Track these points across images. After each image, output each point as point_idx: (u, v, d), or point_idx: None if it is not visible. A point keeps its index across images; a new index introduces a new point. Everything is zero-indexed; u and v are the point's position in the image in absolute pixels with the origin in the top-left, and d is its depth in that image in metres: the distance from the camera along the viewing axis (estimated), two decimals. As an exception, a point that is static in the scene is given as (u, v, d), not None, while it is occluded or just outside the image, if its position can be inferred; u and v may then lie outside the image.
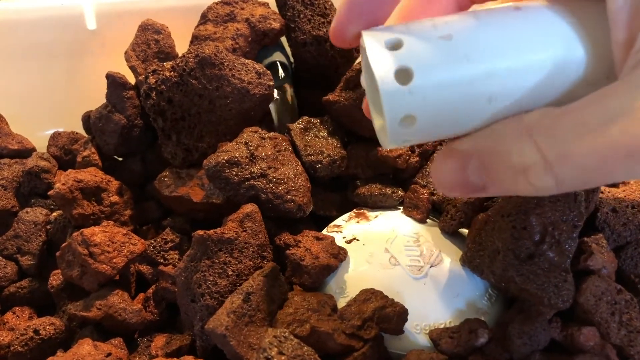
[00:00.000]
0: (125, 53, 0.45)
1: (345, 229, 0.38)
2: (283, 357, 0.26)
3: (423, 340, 0.32)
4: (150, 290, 0.39)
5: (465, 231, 0.37)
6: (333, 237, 0.36)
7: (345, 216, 0.40)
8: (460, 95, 0.21)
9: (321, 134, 0.41)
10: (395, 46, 0.21)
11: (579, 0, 0.23)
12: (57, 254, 0.38)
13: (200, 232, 0.33)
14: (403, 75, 0.21)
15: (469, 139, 0.22)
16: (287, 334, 0.28)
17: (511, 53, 0.21)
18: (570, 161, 0.18)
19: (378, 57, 0.21)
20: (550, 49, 0.21)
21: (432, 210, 0.38)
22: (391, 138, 0.22)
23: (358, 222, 0.38)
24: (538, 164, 0.19)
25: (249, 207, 0.34)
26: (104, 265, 0.36)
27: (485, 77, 0.21)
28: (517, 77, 0.21)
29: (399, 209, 0.39)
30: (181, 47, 0.45)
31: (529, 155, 0.19)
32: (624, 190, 0.36)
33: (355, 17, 0.23)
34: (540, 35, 0.21)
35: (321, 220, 0.40)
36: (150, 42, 0.44)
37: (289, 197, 0.36)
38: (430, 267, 0.34)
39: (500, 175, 0.21)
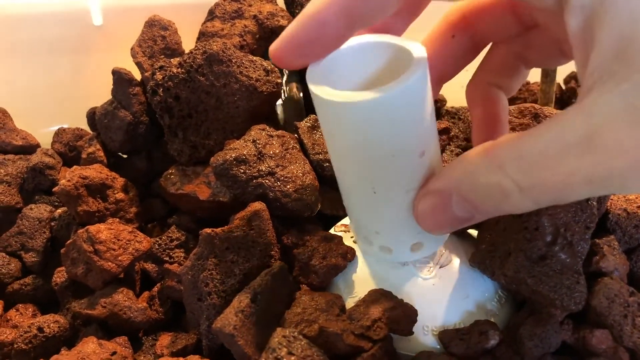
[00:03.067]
0: (132, 49, 0.44)
1: (352, 228, 0.38)
2: (293, 357, 0.25)
3: (432, 341, 0.32)
4: (155, 289, 0.39)
5: (474, 231, 0.36)
6: (341, 237, 0.35)
7: (353, 215, 0.39)
8: None
9: (329, 132, 0.40)
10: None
11: None
12: (62, 251, 0.37)
13: (208, 230, 0.32)
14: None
15: (442, 178, 0.24)
16: (296, 333, 0.27)
17: None
18: (541, 189, 0.20)
19: None
20: None
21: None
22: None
23: (366, 221, 0.38)
24: (515, 191, 0.21)
25: (257, 205, 0.34)
26: (110, 263, 0.35)
27: None
28: None
29: (407, 208, 0.39)
30: (188, 43, 0.44)
31: (505, 185, 0.21)
32: (635, 192, 0.35)
33: (296, 53, 0.25)
34: None
35: (328, 220, 0.40)
36: (156, 38, 0.44)
37: (297, 195, 0.35)
38: (440, 267, 0.34)
39: (484, 205, 0.23)
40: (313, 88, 0.24)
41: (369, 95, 0.22)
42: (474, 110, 0.32)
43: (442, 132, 0.42)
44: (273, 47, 0.25)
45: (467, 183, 0.23)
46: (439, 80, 0.31)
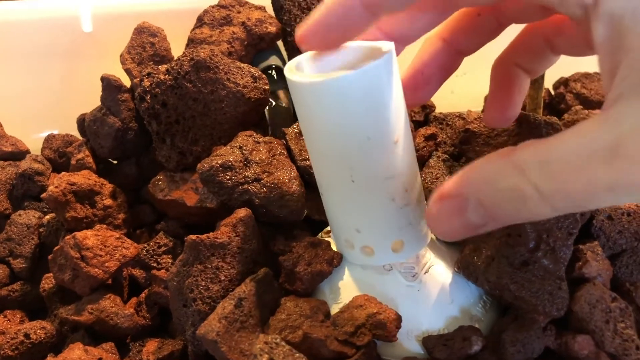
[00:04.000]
0: (121, 56, 0.44)
1: (339, 234, 0.38)
2: (274, 364, 0.26)
3: (416, 347, 0.32)
4: (143, 295, 0.39)
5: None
6: (328, 242, 0.36)
7: (340, 221, 0.39)
8: None
9: (316, 138, 0.41)
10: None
11: None
12: (49, 257, 0.37)
13: (193, 236, 0.33)
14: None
15: (459, 181, 0.24)
16: (278, 340, 0.27)
17: None
18: (562, 195, 0.20)
19: None
20: None
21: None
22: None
23: (353, 227, 0.38)
24: (535, 196, 0.21)
25: (243, 212, 0.34)
26: (96, 269, 0.35)
27: None
28: None
29: (394, 214, 0.39)
30: (177, 50, 0.45)
31: (525, 190, 0.21)
32: (619, 198, 0.36)
33: (320, 36, 0.26)
34: None
35: (315, 225, 0.40)
36: (145, 44, 0.44)
37: (283, 201, 0.35)
38: (425, 273, 0.34)
39: (501, 211, 0.23)
40: (289, 75, 0.27)
41: (337, 74, 0.24)
42: (492, 85, 0.33)
43: (429, 137, 0.42)
44: (299, 30, 0.26)
45: (486, 187, 0.23)
46: (461, 53, 0.31)
